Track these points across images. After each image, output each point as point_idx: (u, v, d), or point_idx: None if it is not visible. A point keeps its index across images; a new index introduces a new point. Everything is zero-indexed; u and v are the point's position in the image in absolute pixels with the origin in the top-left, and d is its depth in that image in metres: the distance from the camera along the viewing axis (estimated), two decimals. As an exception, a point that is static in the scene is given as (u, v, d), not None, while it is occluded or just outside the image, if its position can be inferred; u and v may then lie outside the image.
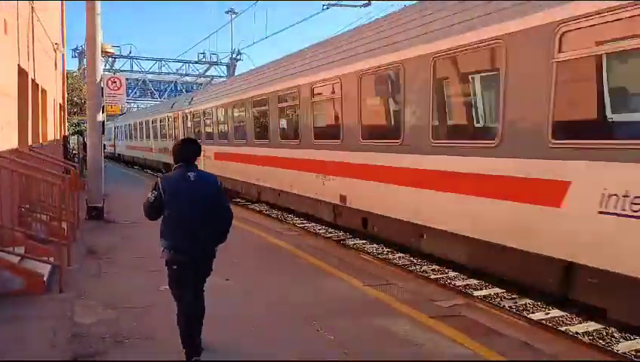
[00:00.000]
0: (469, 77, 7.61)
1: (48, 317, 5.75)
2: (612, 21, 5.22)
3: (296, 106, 11.86)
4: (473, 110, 7.69)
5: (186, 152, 4.83)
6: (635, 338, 6.35)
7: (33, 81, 12.23)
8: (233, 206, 16.22)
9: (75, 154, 21.29)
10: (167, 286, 4.86)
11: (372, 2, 18.13)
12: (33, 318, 5.72)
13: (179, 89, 52.46)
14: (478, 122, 7.53)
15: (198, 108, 19.85)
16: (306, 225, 13.56)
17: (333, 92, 10.38)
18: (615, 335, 6.54)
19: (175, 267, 4.67)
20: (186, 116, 21.33)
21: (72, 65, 45.38)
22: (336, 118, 10.40)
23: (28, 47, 11.32)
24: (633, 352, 6.10)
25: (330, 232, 12.60)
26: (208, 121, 18.88)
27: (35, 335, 5.24)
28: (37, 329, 5.38)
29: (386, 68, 8.78)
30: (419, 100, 7.93)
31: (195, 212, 4.61)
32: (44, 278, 6.74)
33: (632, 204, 4.96)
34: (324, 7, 18.89)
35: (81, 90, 33.56)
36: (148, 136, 28.57)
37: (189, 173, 4.71)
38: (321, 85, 10.87)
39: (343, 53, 10.24)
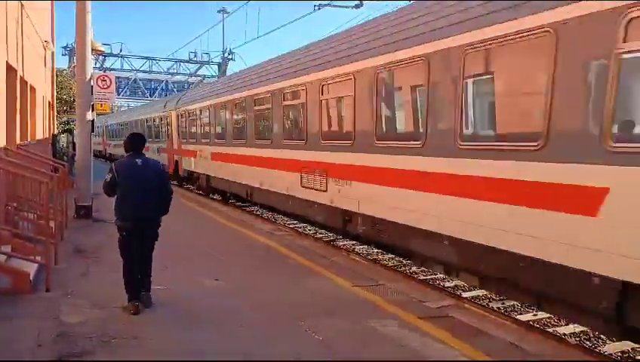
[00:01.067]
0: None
1: (34, 316, 5.69)
2: None
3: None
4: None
5: (134, 143, 6.10)
6: (620, 340, 6.39)
7: (22, 78, 12.13)
8: (223, 204, 15.94)
9: (65, 152, 21.09)
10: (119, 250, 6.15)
11: (364, 3, 18.13)
12: (19, 317, 5.66)
13: (170, 88, 52.23)
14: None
15: (111, 122, 39.08)
16: (297, 225, 13.55)
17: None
18: (602, 336, 6.59)
19: (124, 233, 5.98)
20: (108, 126, 40.40)
21: (62, 62, 45.02)
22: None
23: (17, 44, 11.23)
24: (619, 353, 6.15)
25: (321, 233, 12.60)
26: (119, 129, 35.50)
27: (20, 334, 5.19)
28: (23, 329, 5.33)
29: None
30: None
31: (142, 196, 5.86)
32: (31, 277, 6.67)
33: None
34: (316, 7, 18.88)
35: (70, 88, 33.27)
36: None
37: (137, 160, 5.99)
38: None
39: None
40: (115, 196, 5.95)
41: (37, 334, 5.18)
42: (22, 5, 11.83)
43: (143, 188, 5.87)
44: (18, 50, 11.36)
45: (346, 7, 18.57)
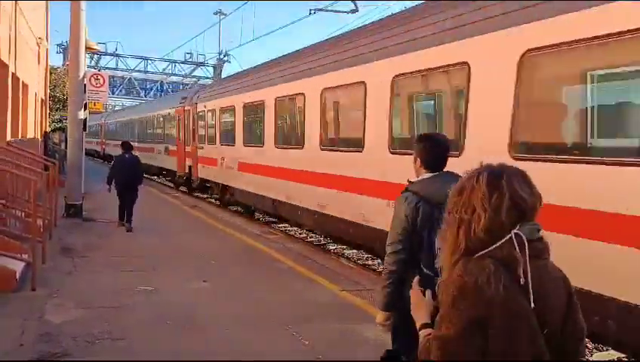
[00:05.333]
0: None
1: (18, 314, 5.63)
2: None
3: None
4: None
5: (124, 146, 11.66)
6: (607, 349, 6.40)
7: (14, 74, 12.06)
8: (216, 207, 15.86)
9: (57, 150, 20.94)
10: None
11: (360, 8, 18.14)
12: (3, 316, 5.59)
13: (165, 89, 52.13)
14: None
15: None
16: (288, 228, 13.52)
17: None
18: (588, 345, 6.60)
19: (118, 191, 11.21)
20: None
21: (57, 60, 44.85)
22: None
23: (9, 40, 11.18)
24: (606, 363, 6.15)
25: (311, 237, 12.57)
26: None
27: (3, 333, 5.13)
28: (5, 327, 5.27)
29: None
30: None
31: (125, 173, 11.19)
32: (17, 275, 6.61)
33: None
34: (312, 11, 18.87)
35: (64, 85, 33.15)
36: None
37: (126, 155, 11.43)
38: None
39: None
40: (113, 175, 11.34)
41: (20, 333, 5.13)
42: (16, 2, 11.77)
43: (125, 169, 11.24)
44: (11, 46, 11.30)
45: (342, 12, 18.59)
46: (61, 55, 45.72)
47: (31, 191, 9.10)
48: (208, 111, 16.83)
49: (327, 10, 19.41)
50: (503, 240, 1.66)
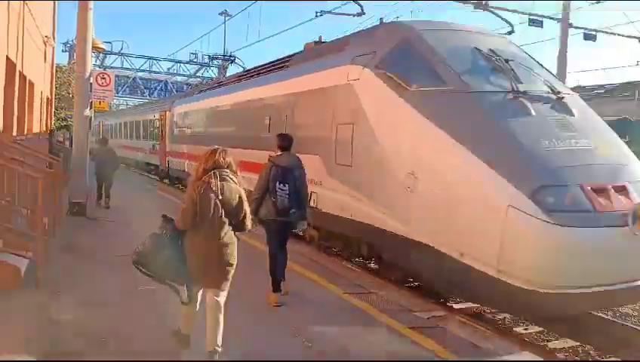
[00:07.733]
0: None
1: (22, 313, 5.66)
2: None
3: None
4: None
5: (101, 141, 15.38)
6: (609, 357, 6.40)
7: (21, 73, 12.11)
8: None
9: (61, 148, 20.95)
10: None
11: (366, 10, 18.09)
12: (7, 314, 5.62)
13: (169, 88, 52.18)
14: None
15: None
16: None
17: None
18: (591, 352, 6.60)
19: (96, 175, 13.86)
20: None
21: (63, 58, 44.83)
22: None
23: (17, 39, 11.22)
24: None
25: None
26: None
27: (6, 331, 5.15)
28: (10, 326, 5.29)
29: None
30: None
31: (103, 161, 13.95)
32: (21, 273, 6.63)
33: None
34: (318, 13, 18.88)
35: (70, 84, 33.22)
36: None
37: (103, 147, 14.65)
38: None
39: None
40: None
41: (23, 331, 5.15)
42: (24, 1, 11.82)
43: (103, 159, 13.89)
44: (18, 44, 11.34)
45: (348, 14, 18.60)
46: (67, 53, 45.72)
47: (36, 189, 9.12)
48: None
49: (333, 13, 19.40)
50: (208, 174, 4.48)
